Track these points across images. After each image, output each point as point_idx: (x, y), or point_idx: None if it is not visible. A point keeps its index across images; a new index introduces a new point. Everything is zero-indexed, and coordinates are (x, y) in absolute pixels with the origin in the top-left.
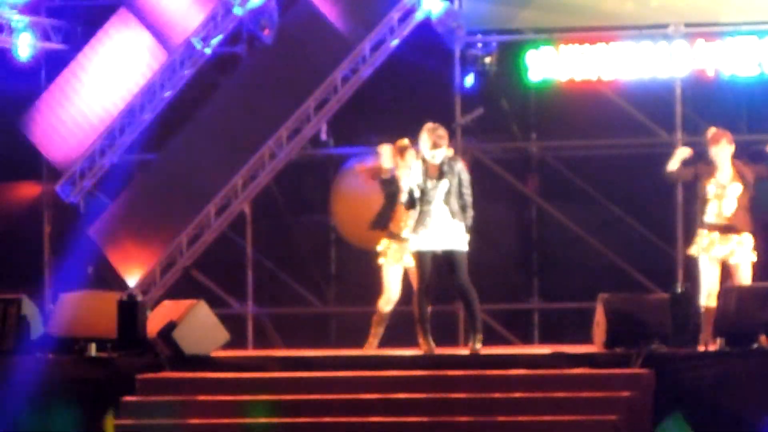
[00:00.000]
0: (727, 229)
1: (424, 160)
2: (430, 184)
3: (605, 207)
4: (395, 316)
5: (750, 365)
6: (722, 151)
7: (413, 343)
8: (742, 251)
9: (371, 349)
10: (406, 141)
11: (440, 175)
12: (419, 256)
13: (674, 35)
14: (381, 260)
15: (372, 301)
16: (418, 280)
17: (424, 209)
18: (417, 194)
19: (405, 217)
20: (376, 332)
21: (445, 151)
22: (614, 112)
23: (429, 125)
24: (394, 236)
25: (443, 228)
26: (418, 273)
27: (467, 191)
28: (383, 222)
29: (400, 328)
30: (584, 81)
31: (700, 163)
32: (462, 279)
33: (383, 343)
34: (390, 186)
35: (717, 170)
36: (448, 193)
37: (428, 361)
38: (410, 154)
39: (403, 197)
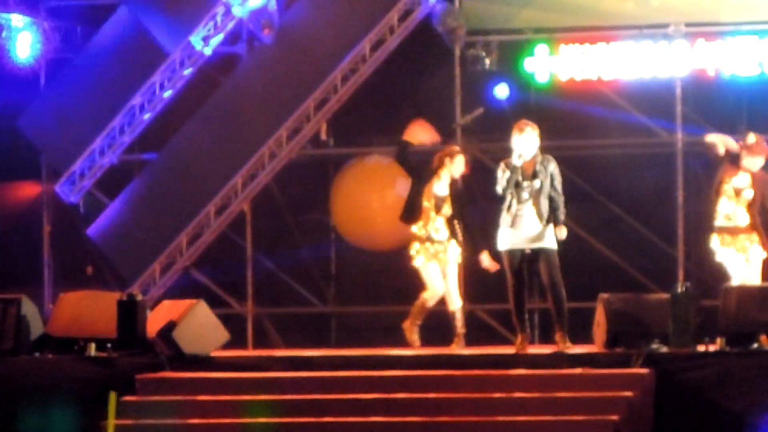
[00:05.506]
0: (735, 230)
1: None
2: (524, 183)
3: (605, 207)
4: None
5: (750, 365)
6: (755, 162)
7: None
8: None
9: (413, 337)
10: (458, 148)
11: (533, 174)
12: (510, 255)
13: (674, 35)
14: (415, 262)
15: (372, 301)
16: (510, 278)
17: (515, 208)
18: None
19: (434, 219)
20: (415, 321)
21: (533, 148)
22: (614, 112)
23: (520, 123)
24: (424, 239)
25: (533, 227)
26: (509, 271)
27: (557, 193)
28: (412, 215)
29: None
30: (584, 81)
31: (728, 160)
32: (553, 276)
33: (388, 344)
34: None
35: (739, 173)
36: (539, 193)
37: (428, 361)
38: (458, 160)
39: (499, 189)
